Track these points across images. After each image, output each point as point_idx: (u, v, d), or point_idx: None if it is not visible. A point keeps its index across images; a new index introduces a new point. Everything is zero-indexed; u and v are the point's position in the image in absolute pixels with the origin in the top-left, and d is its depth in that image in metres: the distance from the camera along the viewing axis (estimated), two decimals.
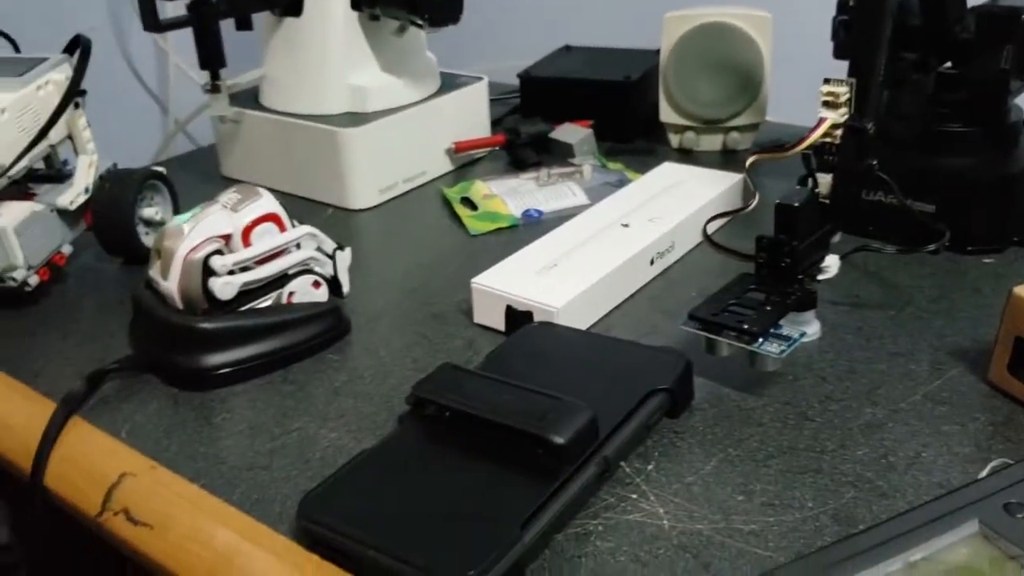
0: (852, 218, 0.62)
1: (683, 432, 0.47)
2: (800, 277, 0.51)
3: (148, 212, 0.67)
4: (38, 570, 0.63)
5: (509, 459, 0.41)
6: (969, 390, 0.48)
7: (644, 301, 0.60)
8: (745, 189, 0.71)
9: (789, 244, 0.50)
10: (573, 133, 0.82)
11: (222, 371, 0.53)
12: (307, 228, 0.56)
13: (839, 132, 0.54)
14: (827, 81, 0.55)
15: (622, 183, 0.74)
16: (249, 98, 0.82)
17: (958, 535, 0.36)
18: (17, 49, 0.72)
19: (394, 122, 0.77)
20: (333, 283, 0.58)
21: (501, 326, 0.56)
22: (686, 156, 0.82)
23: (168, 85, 1.21)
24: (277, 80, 0.80)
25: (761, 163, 0.69)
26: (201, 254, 0.52)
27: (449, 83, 0.83)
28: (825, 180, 0.55)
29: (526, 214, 0.72)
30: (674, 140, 0.83)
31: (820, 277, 0.53)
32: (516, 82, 0.91)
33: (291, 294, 0.55)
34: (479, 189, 0.76)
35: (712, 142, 0.82)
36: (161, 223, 0.67)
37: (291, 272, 0.55)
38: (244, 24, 0.77)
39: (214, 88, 0.78)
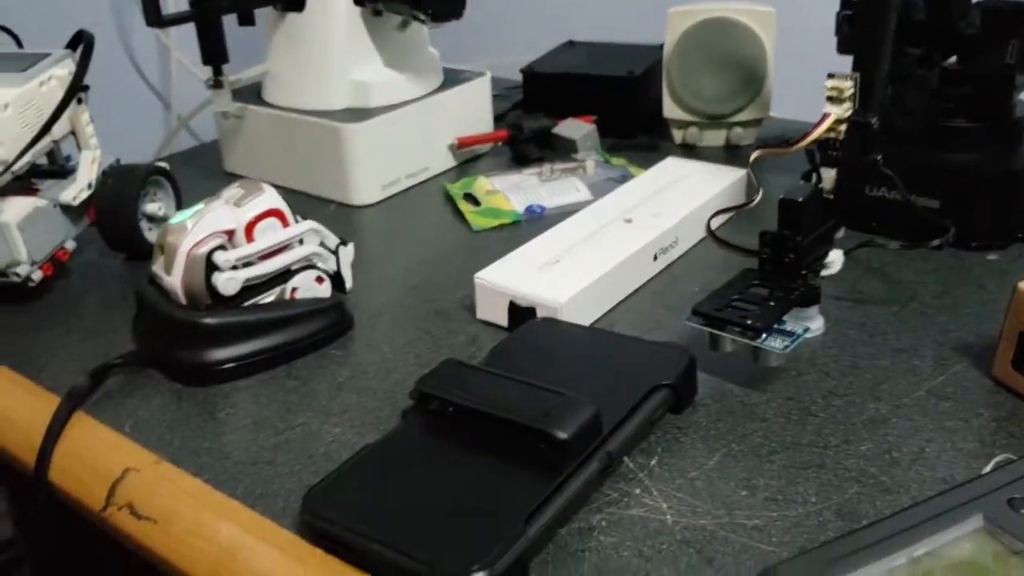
0: (856, 214, 0.62)
1: (686, 427, 0.47)
2: (804, 273, 0.51)
3: (151, 208, 0.67)
4: (42, 565, 0.63)
5: (512, 454, 0.42)
6: (973, 386, 0.48)
7: (647, 297, 0.60)
8: (749, 184, 0.70)
9: (793, 239, 0.50)
10: (576, 129, 0.82)
11: (225, 366, 0.53)
12: (310, 223, 0.56)
13: (843, 127, 0.54)
14: (831, 76, 0.55)
15: (625, 179, 0.74)
16: (252, 94, 0.82)
17: (962, 530, 0.36)
18: (20, 44, 0.71)
19: (397, 118, 0.77)
20: (336, 279, 0.58)
21: (504, 322, 0.56)
22: (689, 152, 0.81)
23: (171, 81, 1.21)
24: (279, 76, 0.80)
25: (765, 158, 0.69)
26: (204, 249, 0.52)
27: (452, 78, 0.83)
28: (829, 175, 0.55)
29: (529, 210, 0.72)
30: (677, 136, 0.83)
31: (824, 273, 0.53)
32: (519, 77, 0.91)
33: (294, 290, 0.55)
34: (482, 185, 0.76)
35: (715, 138, 0.82)
36: (164, 219, 0.67)
37: (294, 268, 0.55)
38: (246, 19, 0.77)
39: (217, 84, 0.78)
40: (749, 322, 0.48)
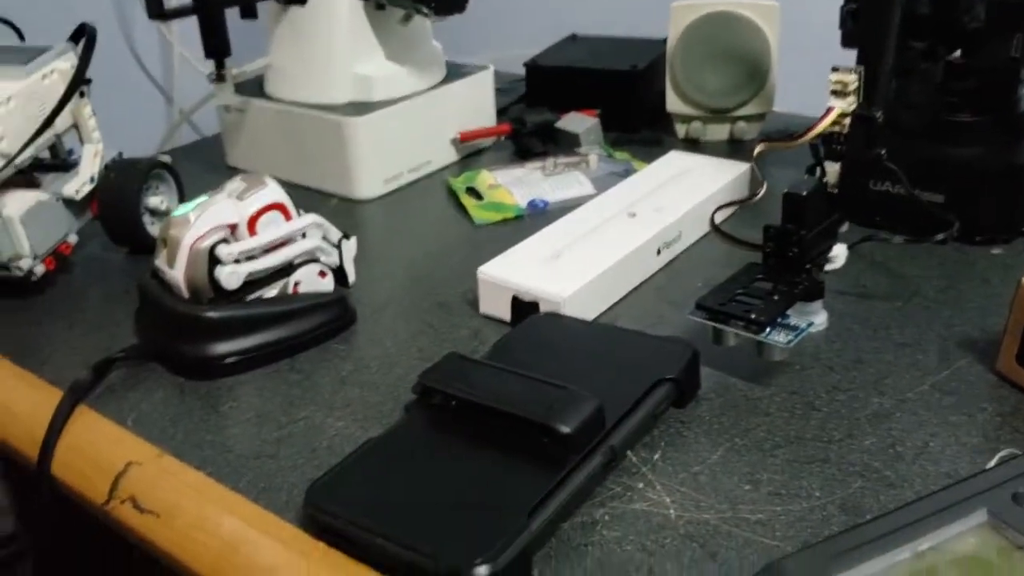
0: (860, 208, 0.62)
1: (690, 422, 0.47)
2: (808, 267, 0.51)
3: (154, 201, 0.67)
4: (45, 559, 0.63)
5: (515, 448, 0.41)
6: (977, 380, 0.48)
7: (650, 291, 0.59)
8: (752, 178, 0.70)
9: (797, 233, 0.50)
10: (579, 123, 0.82)
11: (228, 360, 0.53)
12: (313, 217, 0.56)
13: (847, 121, 0.54)
14: (835, 69, 0.55)
15: (628, 173, 0.74)
16: (254, 87, 0.82)
17: (966, 525, 0.36)
18: (22, 38, 0.71)
19: (399, 111, 0.76)
20: (339, 273, 0.58)
21: (507, 316, 0.56)
22: (692, 146, 0.81)
23: (173, 75, 1.21)
24: (282, 69, 0.79)
25: (768, 152, 0.69)
26: (207, 243, 0.52)
27: (454, 72, 0.83)
28: (833, 169, 0.55)
29: (532, 204, 0.72)
30: (680, 130, 0.83)
31: (827, 267, 0.53)
32: (522, 71, 0.91)
33: (297, 284, 0.55)
34: (484, 179, 0.76)
35: (719, 132, 0.82)
36: (167, 212, 0.67)
37: (297, 262, 0.55)
38: (249, 12, 0.77)
39: (219, 77, 0.78)
40: (753, 316, 0.47)
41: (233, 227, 0.53)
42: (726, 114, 0.80)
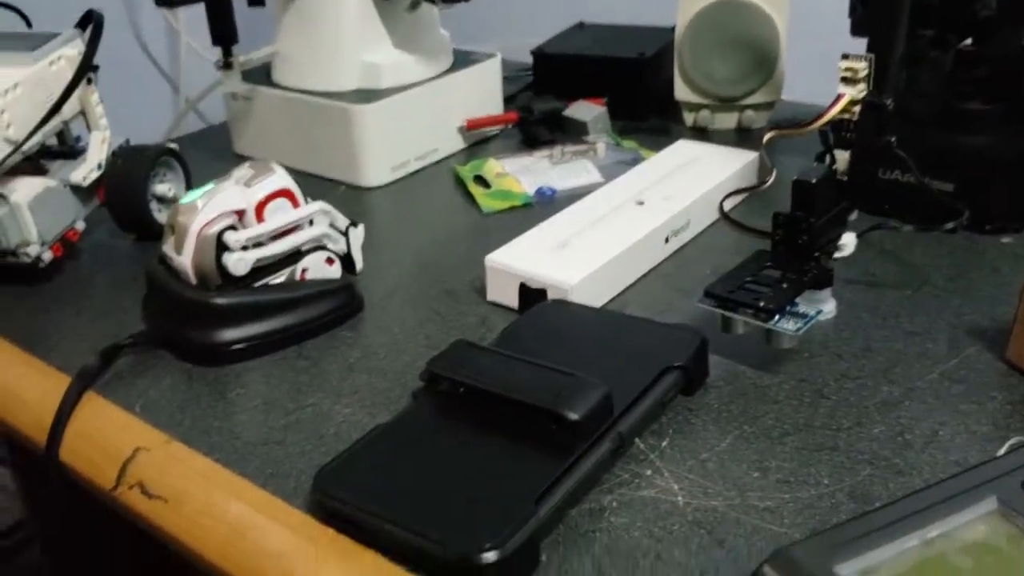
0: (869, 196, 0.62)
1: (698, 409, 0.46)
2: (817, 255, 0.50)
3: (161, 188, 0.67)
4: (53, 544, 0.63)
5: (523, 435, 0.41)
6: (987, 369, 0.48)
7: (659, 279, 0.59)
8: (761, 166, 0.70)
9: (806, 221, 0.50)
10: (587, 111, 0.82)
11: (236, 347, 0.53)
12: (320, 204, 0.56)
13: (857, 109, 0.54)
14: (846, 57, 0.55)
15: (636, 161, 0.74)
16: (261, 75, 0.81)
17: (976, 512, 0.36)
18: (29, 24, 0.71)
19: (406, 99, 0.76)
20: (346, 260, 0.58)
21: (514, 304, 0.56)
22: (701, 134, 0.81)
23: (179, 64, 1.21)
24: (290, 57, 0.79)
25: (777, 140, 0.69)
26: (215, 229, 0.52)
27: (462, 60, 0.83)
28: (843, 157, 0.55)
29: (539, 192, 0.72)
30: (688, 118, 0.82)
31: (836, 255, 0.53)
32: (529, 59, 0.90)
33: (304, 271, 0.55)
34: (492, 167, 0.76)
35: (727, 120, 0.81)
36: (174, 200, 0.67)
37: (304, 249, 0.55)
38: (256, 0, 0.76)
39: (226, 65, 0.78)
40: (762, 304, 0.47)
41: (241, 214, 0.53)
42: (734, 102, 0.80)
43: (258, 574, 0.40)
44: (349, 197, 0.75)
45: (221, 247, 0.52)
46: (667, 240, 0.61)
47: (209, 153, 0.84)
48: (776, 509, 0.40)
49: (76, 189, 0.64)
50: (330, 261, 0.56)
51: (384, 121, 0.75)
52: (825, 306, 0.51)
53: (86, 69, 0.63)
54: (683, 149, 0.72)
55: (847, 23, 0.64)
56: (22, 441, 0.52)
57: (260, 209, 0.53)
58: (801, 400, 0.47)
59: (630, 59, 0.85)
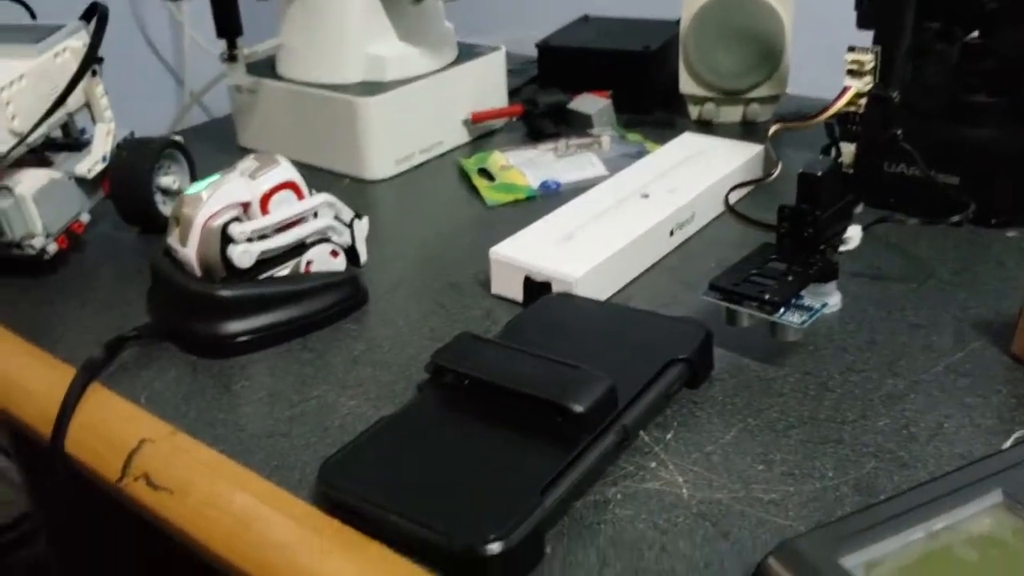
0: (874, 189, 0.61)
1: (702, 402, 0.46)
2: (822, 248, 0.50)
3: (166, 181, 0.67)
4: (58, 536, 0.63)
5: (528, 427, 0.41)
6: (992, 362, 0.48)
7: (663, 272, 0.59)
8: (766, 159, 0.70)
9: (812, 214, 0.49)
10: (591, 104, 0.82)
11: (240, 339, 0.53)
12: (325, 196, 0.56)
13: (863, 101, 0.54)
14: (852, 49, 0.54)
15: (641, 155, 0.74)
16: (266, 67, 0.81)
17: (981, 505, 0.36)
18: (33, 16, 0.71)
19: (411, 91, 0.76)
20: (351, 253, 0.58)
21: (519, 297, 0.56)
22: (705, 128, 0.81)
23: (183, 57, 1.20)
24: (294, 49, 0.79)
25: (783, 134, 0.69)
26: (220, 221, 0.52)
27: (466, 53, 0.83)
28: (849, 150, 0.55)
29: (544, 185, 0.72)
30: (693, 111, 0.82)
31: (842, 248, 0.52)
32: (534, 52, 0.90)
33: (309, 263, 0.55)
34: (496, 160, 0.76)
35: (732, 114, 0.81)
36: (179, 192, 0.67)
37: (309, 241, 0.55)
38: None
39: (231, 57, 0.78)
40: (767, 297, 0.47)
41: (246, 206, 0.53)
42: (739, 96, 0.79)
43: (263, 565, 0.40)
44: (353, 190, 0.75)
45: (226, 239, 0.52)
46: (672, 233, 0.61)
47: (213, 145, 0.84)
48: (781, 502, 0.40)
49: (81, 181, 0.64)
50: (335, 254, 0.56)
51: (388, 114, 0.75)
52: (830, 299, 0.51)
53: (91, 61, 0.63)
54: (688, 142, 0.72)
55: (852, 16, 0.64)
56: (27, 433, 0.52)
57: (265, 201, 0.53)
58: (806, 393, 0.47)
59: (635, 52, 0.85)
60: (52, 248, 0.61)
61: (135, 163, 0.65)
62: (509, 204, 0.70)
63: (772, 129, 0.67)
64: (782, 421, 0.45)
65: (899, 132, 0.55)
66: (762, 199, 0.67)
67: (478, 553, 0.35)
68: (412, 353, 0.52)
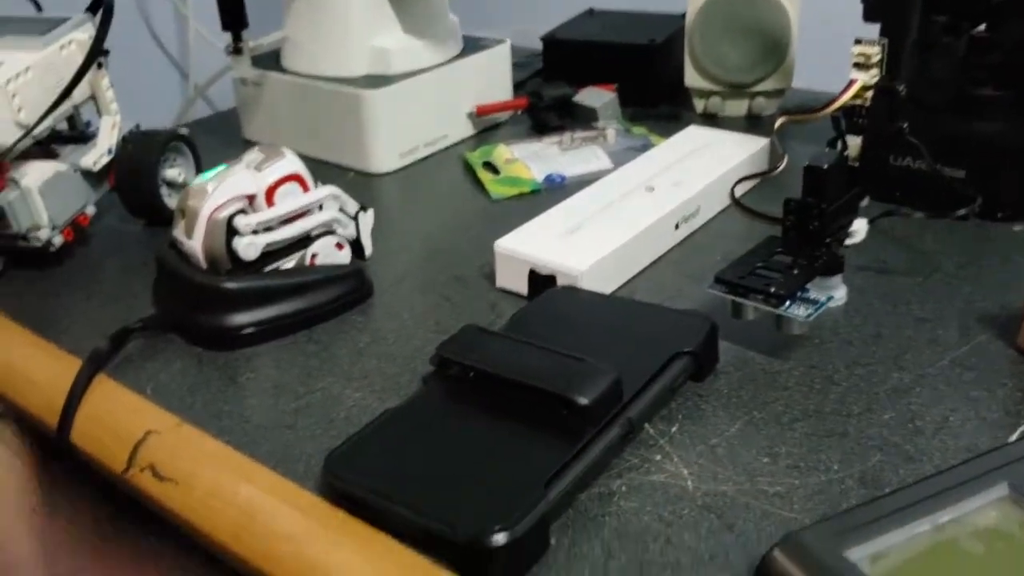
0: (880, 183, 0.61)
1: (708, 395, 0.46)
2: (828, 241, 0.50)
3: (171, 173, 0.67)
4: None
5: (533, 419, 0.41)
6: (997, 356, 0.48)
7: (669, 265, 0.59)
8: (772, 153, 0.70)
9: (817, 207, 0.49)
10: (597, 97, 0.82)
11: (246, 331, 0.53)
12: (330, 189, 0.56)
13: (870, 94, 0.54)
14: (858, 42, 0.54)
15: (646, 148, 0.74)
16: (271, 60, 0.81)
17: (987, 498, 0.36)
18: (39, 8, 0.71)
19: (416, 84, 0.76)
20: (356, 245, 0.58)
21: (524, 290, 0.56)
22: (711, 121, 0.81)
23: (188, 50, 1.20)
24: (299, 42, 0.79)
25: (788, 127, 0.68)
26: (225, 213, 0.52)
27: (471, 46, 0.82)
28: (855, 143, 0.55)
29: (549, 178, 0.72)
30: (699, 105, 0.82)
31: (848, 242, 0.52)
32: (539, 45, 0.90)
33: (314, 256, 0.55)
34: (501, 153, 0.76)
35: (737, 107, 0.81)
36: (184, 185, 0.67)
37: (314, 233, 0.55)
38: None
39: (236, 50, 0.77)
40: (772, 290, 0.47)
41: (251, 198, 0.53)
42: (745, 89, 0.79)
43: (268, 556, 0.40)
44: (358, 183, 0.75)
45: (231, 231, 0.52)
46: (677, 226, 0.61)
47: (218, 138, 0.84)
48: (786, 494, 0.40)
49: (87, 174, 0.64)
50: (340, 246, 0.57)
51: (393, 107, 0.75)
52: (836, 292, 0.51)
53: (97, 53, 0.63)
54: (694, 135, 0.72)
55: (858, 9, 0.64)
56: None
57: (270, 193, 0.53)
58: (811, 386, 0.47)
59: (640, 45, 0.84)
60: (58, 240, 0.61)
61: (141, 156, 0.65)
62: (514, 197, 0.70)
63: (778, 122, 0.67)
64: (787, 414, 0.45)
65: (905, 125, 0.55)
66: (768, 192, 0.67)
67: (483, 544, 0.35)
68: (417, 345, 0.52)
